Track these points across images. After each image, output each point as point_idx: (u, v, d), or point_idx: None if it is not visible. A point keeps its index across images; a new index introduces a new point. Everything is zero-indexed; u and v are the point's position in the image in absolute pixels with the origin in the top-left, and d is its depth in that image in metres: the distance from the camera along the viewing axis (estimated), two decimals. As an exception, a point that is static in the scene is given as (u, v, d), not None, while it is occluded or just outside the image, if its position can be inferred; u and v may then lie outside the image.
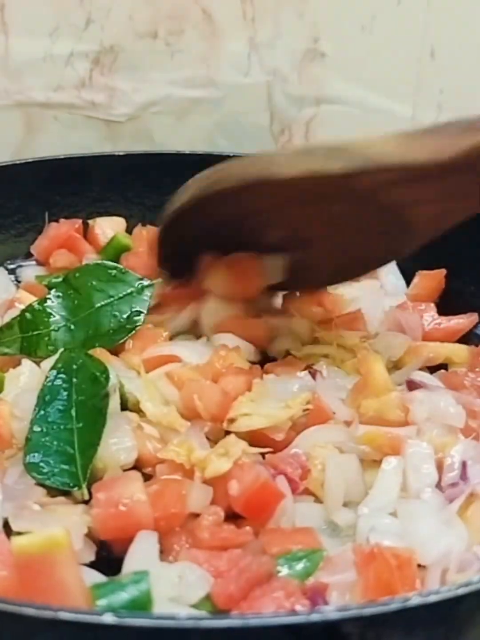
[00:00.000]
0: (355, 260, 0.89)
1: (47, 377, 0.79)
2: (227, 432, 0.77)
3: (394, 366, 0.88)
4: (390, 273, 1.02)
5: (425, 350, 0.89)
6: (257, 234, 0.88)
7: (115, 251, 1.02)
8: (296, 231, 0.87)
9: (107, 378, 0.78)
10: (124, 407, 0.80)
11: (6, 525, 0.69)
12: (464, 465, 0.74)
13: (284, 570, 0.65)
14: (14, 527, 0.68)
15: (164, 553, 0.69)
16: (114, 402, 0.78)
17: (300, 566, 0.66)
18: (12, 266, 1.05)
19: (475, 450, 0.76)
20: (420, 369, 0.88)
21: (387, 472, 0.74)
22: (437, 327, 0.93)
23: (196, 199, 0.84)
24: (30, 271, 1.03)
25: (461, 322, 0.94)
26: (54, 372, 0.79)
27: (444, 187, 0.77)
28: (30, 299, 0.91)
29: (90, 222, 1.05)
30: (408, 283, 1.02)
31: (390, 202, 0.80)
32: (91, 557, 0.69)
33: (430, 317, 0.93)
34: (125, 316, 0.89)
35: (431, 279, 1.01)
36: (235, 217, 0.85)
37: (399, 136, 0.76)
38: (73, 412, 0.76)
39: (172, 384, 0.81)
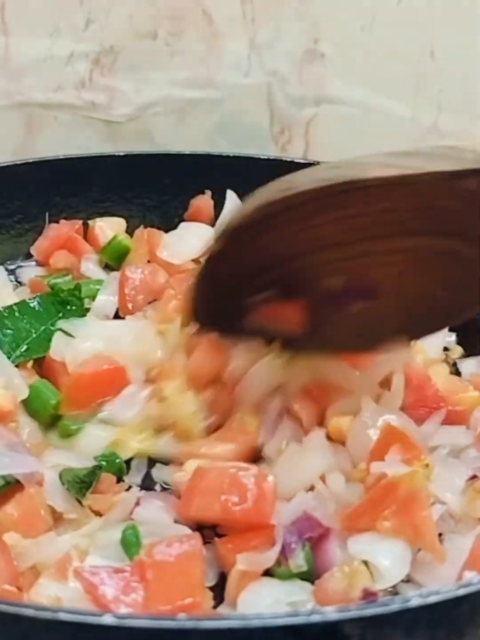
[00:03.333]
0: (433, 311, 0.77)
1: None
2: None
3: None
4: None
5: None
6: (316, 276, 0.75)
7: (115, 252, 1.02)
8: (365, 274, 0.74)
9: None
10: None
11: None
12: None
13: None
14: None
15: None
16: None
17: None
18: (12, 267, 1.04)
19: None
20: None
21: None
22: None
23: (262, 211, 0.69)
24: (30, 272, 1.03)
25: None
26: None
27: None
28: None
29: (90, 222, 1.05)
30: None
31: None
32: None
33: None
34: None
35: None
36: (297, 250, 0.73)
37: None
38: None
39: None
